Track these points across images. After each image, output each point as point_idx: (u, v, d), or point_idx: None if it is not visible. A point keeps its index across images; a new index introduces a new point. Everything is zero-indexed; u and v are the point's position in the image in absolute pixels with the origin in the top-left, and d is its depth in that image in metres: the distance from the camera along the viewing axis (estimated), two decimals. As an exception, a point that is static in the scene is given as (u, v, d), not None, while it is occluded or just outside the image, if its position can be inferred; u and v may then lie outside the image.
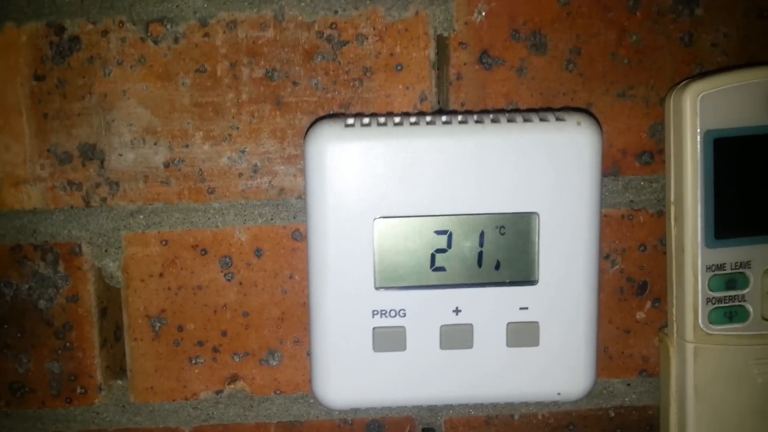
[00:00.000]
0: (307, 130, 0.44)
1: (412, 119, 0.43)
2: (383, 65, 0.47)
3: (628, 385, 0.51)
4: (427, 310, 0.44)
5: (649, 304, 0.50)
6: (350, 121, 0.43)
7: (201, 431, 0.51)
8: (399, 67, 0.47)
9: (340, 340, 0.44)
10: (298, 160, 0.47)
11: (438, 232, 0.43)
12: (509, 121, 0.42)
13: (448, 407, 0.51)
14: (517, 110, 0.47)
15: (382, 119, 0.43)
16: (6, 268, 0.48)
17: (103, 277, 0.49)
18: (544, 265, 0.43)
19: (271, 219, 0.48)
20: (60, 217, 0.48)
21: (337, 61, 0.47)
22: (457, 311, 0.44)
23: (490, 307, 0.44)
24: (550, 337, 0.44)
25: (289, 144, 0.47)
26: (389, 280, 0.43)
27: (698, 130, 0.44)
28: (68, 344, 0.49)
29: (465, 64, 0.47)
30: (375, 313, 0.44)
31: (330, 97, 0.47)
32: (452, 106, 0.47)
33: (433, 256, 0.43)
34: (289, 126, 0.47)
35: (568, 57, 0.47)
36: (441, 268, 0.43)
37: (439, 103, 0.47)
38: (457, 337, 0.44)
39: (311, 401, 0.50)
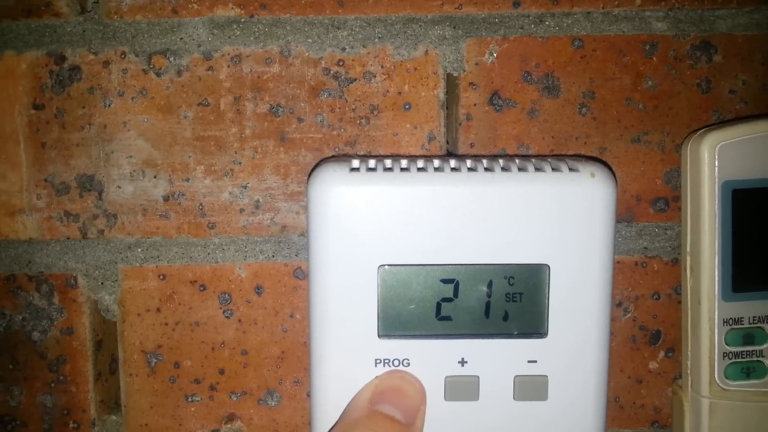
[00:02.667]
0: (311, 172, 0.43)
1: (420, 164, 0.41)
2: (391, 104, 0.45)
3: (639, 436, 0.49)
4: (432, 360, 0.42)
5: (662, 354, 0.48)
6: (355, 164, 0.41)
7: (195, 470, 0.49)
8: (407, 106, 0.45)
9: (342, 389, 0.42)
10: (301, 197, 0.46)
11: (444, 281, 0.41)
12: (520, 169, 0.41)
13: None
14: (528, 156, 0.45)
15: (388, 163, 0.42)
16: (0, 298, 0.47)
17: (99, 310, 0.48)
18: (554, 318, 0.42)
19: (273, 256, 0.47)
20: (56, 248, 0.47)
21: (344, 99, 0.45)
22: (462, 362, 0.42)
23: (498, 359, 0.42)
24: (559, 391, 0.42)
25: (292, 180, 0.46)
26: (393, 328, 0.42)
27: (716, 181, 0.42)
28: (62, 377, 0.48)
29: (475, 104, 0.45)
30: (378, 361, 0.42)
31: (336, 135, 0.46)
32: (461, 147, 0.46)
33: (438, 305, 0.42)
34: (293, 162, 0.46)
35: (581, 101, 0.46)
36: (447, 318, 0.42)
37: (447, 143, 0.46)
38: (462, 388, 0.42)
39: (310, 443, 0.49)
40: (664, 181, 0.47)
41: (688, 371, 0.45)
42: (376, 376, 0.42)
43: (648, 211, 0.47)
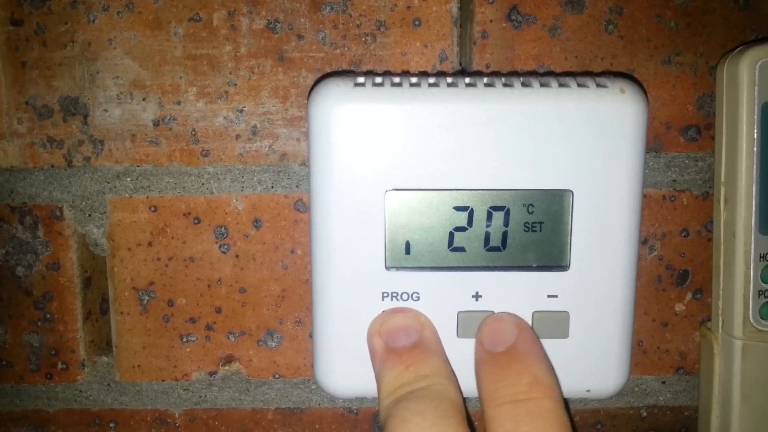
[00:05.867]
0: (312, 88, 0.39)
1: (431, 80, 0.38)
2: (399, 19, 0.42)
3: (663, 383, 0.46)
4: (444, 295, 0.39)
5: (689, 296, 0.45)
6: (360, 80, 0.38)
7: (192, 415, 0.47)
8: (417, 22, 0.42)
9: (346, 324, 0.39)
10: (302, 123, 0.43)
11: (457, 209, 0.38)
12: (542, 85, 0.37)
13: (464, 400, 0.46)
14: (551, 73, 0.42)
15: (396, 79, 0.38)
16: (-19, 231, 0.44)
17: (87, 244, 0.45)
18: (577, 249, 0.39)
19: (272, 187, 0.43)
20: (40, 177, 0.43)
21: (348, 13, 0.42)
22: (477, 297, 0.39)
23: (515, 293, 0.39)
24: (580, 328, 0.39)
25: (292, 104, 0.42)
26: (402, 259, 0.39)
27: (755, 102, 0.39)
28: (48, 315, 0.45)
29: (491, 21, 0.42)
30: (385, 295, 0.39)
31: (339, 54, 0.42)
32: (475, 68, 0.42)
33: (451, 235, 0.39)
34: (293, 84, 0.42)
35: (608, 17, 0.42)
36: (460, 249, 0.39)
37: (461, 64, 0.42)
38: (476, 325, 0.39)
39: (313, 387, 0.46)
40: (696, 107, 0.43)
41: (719, 311, 0.42)
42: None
43: (678, 140, 0.43)
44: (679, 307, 0.45)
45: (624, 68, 0.42)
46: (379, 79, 0.38)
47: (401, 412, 0.33)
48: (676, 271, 0.45)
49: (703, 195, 0.44)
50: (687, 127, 0.43)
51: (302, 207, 0.44)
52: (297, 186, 0.43)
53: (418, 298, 0.39)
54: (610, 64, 0.42)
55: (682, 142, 0.43)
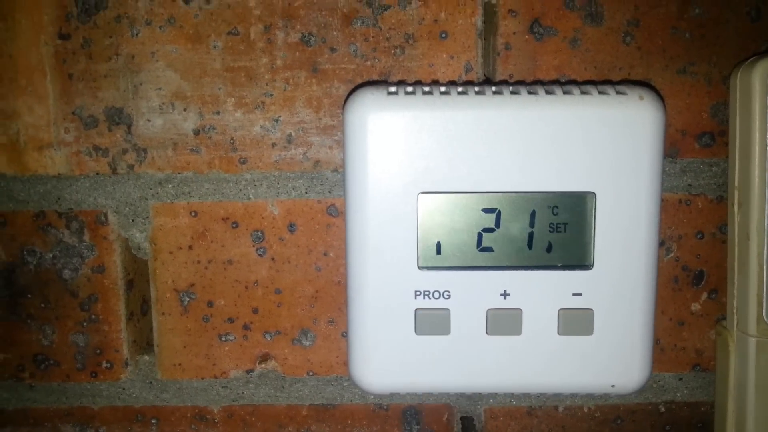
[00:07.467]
0: (347, 97, 0.41)
1: (460, 88, 0.40)
2: (426, 32, 0.44)
3: (680, 379, 0.48)
4: (474, 293, 0.41)
5: (705, 295, 0.47)
6: (393, 88, 0.40)
7: (230, 411, 0.49)
8: (443, 35, 0.44)
9: (380, 322, 0.42)
10: (334, 131, 0.45)
11: (486, 210, 0.40)
12: (565, 93, 0.39)
13: (489, 396, 0.48)
14: (573, 82, 0.44)
15: (426, 88, 0.40)
16: (30, 235, 0.46)
17: (130, 248, 0.47)
18: (600, 249, 0.40)
19: (306, 192, 0.46)
20: (85, 183, 0.46)
21: (378, 27, 0.44)
22: (505, 295, 0.41)
23: (541, 291, 0.41)
24: (604, 325, 0.41)
25: (325, 114, 0.45)
26: (433, 259, 0.41)
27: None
28: (93, 316, 0.47)
29: (514, 33, 0.44)
30: (418, 294, 0.41)
31: (369, 65, 0.44)
32: (499, 78, 0.44)
33: (480, 236, 0.41)
34: (326, 95, 0.44)
35: (625, 29, 0.44)
36: (488, 249, 0.41)
37: (485, 74, 0.44)
38: (504, 322, 0.41)
39: (345, 384, 0.48)
40: (711, 114, 0.45)
41: (734, 310, 0.44)
42: None
43: (693, 146, 0.45)
44: (695, 307, 0.47)
45: (641, 78, 0.44)
46: (410, 88, 0.40)
47: None
48: (692, 272, 0.46)
49: (717, 199, 0.46)
50: (702, 134, 0.45)
51: (335, 212, 0.46)
52: (330, 192, 0.46)
53: (449, 297, 0.41)
54: (628, 74, 0.44)
55: (697, 148, 0.45)
